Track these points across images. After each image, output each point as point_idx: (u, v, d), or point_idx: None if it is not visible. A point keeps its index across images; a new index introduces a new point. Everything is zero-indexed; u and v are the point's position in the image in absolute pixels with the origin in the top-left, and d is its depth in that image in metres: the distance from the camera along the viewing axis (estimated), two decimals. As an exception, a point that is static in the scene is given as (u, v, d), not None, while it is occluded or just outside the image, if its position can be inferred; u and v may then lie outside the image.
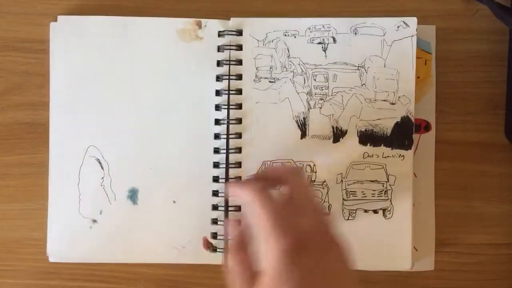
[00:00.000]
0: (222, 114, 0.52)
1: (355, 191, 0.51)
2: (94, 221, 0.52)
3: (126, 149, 0.52)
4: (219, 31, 0.52)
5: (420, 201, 0.52)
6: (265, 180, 0.42)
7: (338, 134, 0.52)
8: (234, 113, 0.52)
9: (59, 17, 0.52)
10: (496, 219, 0.53)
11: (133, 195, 0.52)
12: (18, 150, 0.54)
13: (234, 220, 0.44)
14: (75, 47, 0.52)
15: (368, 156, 0.51)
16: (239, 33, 0.52)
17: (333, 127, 0.52)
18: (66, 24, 0.52)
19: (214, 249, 0.52)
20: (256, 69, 0.52)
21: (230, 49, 0.52)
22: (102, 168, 0.52)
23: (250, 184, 0.40)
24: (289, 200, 0.40)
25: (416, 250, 0.52)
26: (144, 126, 0.52)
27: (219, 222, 0.52)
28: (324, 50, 0.51)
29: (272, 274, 0.37)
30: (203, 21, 0.52)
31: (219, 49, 0.52)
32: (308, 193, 0.42)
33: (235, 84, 0.52)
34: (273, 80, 0.52)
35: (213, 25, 0.52)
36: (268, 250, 0.37)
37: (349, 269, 0.39)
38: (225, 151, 0.52)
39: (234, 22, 0.52)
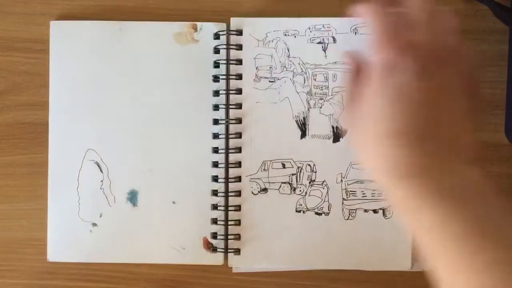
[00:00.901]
0: (221, 114, 0.52)
1: (355, 191, 0.51)
2: (94, 224, 0.52)
3: (125, 151, 0.52)
4: (215, 33, 0.52)
5: (420, 201, 0.52)
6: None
7: (338, 134, 0.52)
8: (234, 113, 0.52)
9: (52, 23, 0.52)
10: (496, 219, 0.53)
11: (132, 197, 0.52)
12: (18, 150, 0.54)
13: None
14: (73, 49, 0.52)
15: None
16: (239, 33, 0.52)
17: (333, 127, 0.52)
18: (63, 27, 0.52)
19: (214, 249, 0.52)
20: (256, 68, 0.52)
21: (227, 49, 0.52)
22: (101, 171, 0.52)
23: (370, 4, 0.41)
24: (404, 16, 0.40)
25: (416, 250, 0.52)
26: (143, 128, 0.52)
27: (219, 222, 0.52)
28: (324, 50, 0.51)
29: (369, 86, 0.39)
30: (199, 24, 0.52)
31: (216, 50, 0.52)
32: (428, 10, 0.40)
33: (235, 84, 0.52)
34: (273, 80, 0.52)
35: (209, 27, 0.52)
36: (373, 59, 0.39)
37: (458, 96, 0.38)
38: (224, 150, 0.52)
39: (234, 22, 0.52)
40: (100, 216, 0.52)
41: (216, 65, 0.52)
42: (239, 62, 0.52)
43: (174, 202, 0.52)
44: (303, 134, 0.52)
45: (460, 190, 0.36)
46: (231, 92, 0.52)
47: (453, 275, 0.36)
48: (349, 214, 0.51)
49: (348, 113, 0.42)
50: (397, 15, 0.40)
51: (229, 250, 0.52)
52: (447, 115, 0.38)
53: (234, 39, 0.52)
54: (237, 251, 0.52)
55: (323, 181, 0.51)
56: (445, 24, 0.41)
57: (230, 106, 0.52)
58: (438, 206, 0.36)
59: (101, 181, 0.52)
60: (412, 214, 0.37)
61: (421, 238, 0.37)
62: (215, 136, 0.52)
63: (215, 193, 0.52)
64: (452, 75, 0.39)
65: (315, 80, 0.52)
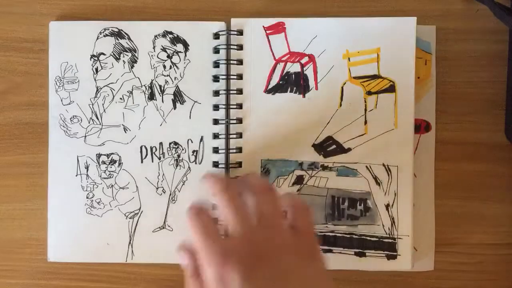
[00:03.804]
0: (221, 114, 0.52)
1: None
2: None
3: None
4: (214, 33, 0.52)
5: (420, 201, 0.52)
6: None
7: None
8: (235, 113, 0.52)
9: (51, 23, 0.52)
10: (496, 219, 0.53)
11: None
12: (18, 150, 0.54)
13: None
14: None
15: (368, 156, 0.52)
16: (240, 33, 0.52)
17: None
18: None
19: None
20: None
21: (227, 49, 0.52)
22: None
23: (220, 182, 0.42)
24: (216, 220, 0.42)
25: (416, 250, 0.52)
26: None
27: (219, 222, 0.52)
28: (324, 50, 0.52)
29: None
30: (198, 23, 0.52)
31: (216, 50, 0.52)
32: (236, 206, 0.41)
33: (235, 83, 0.52)
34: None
35: (209, 27, 0.52)
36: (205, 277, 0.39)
37: (302, 276, 0.39)
38: (224, 150, 0.52)
39: (234, 22, 0.52)
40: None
41: (216, 65, 0.52)
42: (240, 62, 0.52)
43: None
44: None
45: None
46: (231, 92, 0.52)
47: None
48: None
49: None
50: (212, 215, 0.41)
51: (229, 250, 0.52)
52: None
53: (234, 39, 0.52)
54: (237, 251, 0.52)
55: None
56: (266, 210, 0.41)
57: (230, 106, 0.52)
58: None
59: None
60: None
61: None
62: (215, 136, 0.52)
63: (215, 193, 0.52)
64: (285, 262, 0.39)
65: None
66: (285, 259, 0.39)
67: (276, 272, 0.38)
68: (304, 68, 0.52)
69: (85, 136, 0.53)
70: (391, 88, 0.51)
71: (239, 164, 0.52)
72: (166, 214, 0.52)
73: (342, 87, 0.52)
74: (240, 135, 0.52)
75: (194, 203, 0.42)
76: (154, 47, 0.53)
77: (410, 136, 0.51)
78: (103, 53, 0.53)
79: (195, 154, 0.52)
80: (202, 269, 0.40)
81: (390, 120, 0.51)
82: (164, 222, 0.52)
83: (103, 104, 0.53)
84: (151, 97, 0.53)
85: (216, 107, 0.52)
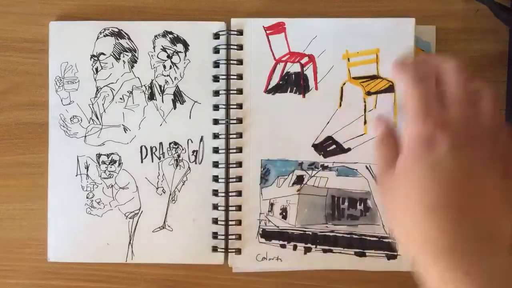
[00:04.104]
0: (221, 114, 0.52)
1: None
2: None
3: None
4: (214, 33, 0.52)
5: (420, 201, 0.52)
6: (424, 67, 0.43)
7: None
8: (235, 113, 0.52)
9: (51, 23, 0.52)
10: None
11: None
12: (18, 150, 0.54)
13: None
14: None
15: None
16: (240, 33, 0.52)
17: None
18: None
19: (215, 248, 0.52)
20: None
21: (227, 49, 0.52)
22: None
23: (410, 68, 0.43)
24: (442, 92, 0.42)
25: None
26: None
27: (219, 222, 0.52)
28: (324, 50, 0.52)
29: (405, 157, 0.40)
30: (198, 23, 0.52)
31: (216, 50, 0.52)
32: (464, 87, 0.42)
33: (235, 83, 0.52)
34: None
35: (208, 27, 0.52)
36: (407, 132, 0.41)
37: (496, 178, 0.39)
38: (224, 151, 0.52)
39: (234, 22, 0.52)
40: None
41: (216, 65, 0.52)
42: (240, 62, 0.52)
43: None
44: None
45: (499, 275, 0.36)
46: (231, 92, 0.52)
47: None
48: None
49: (382, 184, 0.43)
50: (434, 89, 0.42)
51: (229, 250, 0.52)
52: (484, 197, 0.39)
53: (234, 39, 0.52)
54: (238, 251, 0.52)
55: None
56: (484, 103, 0.41)
57: (231, 106, 0.52)
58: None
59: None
60: None
61: None
62: (215, 136, 0.52)
63: (215, 193, 0.52)
64: (488, 156, 0.39)
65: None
66: (486, 149, 0.40)
67: (478, 158, 0.39)
68: (304, 68, 0.52)
69: (85, 136, 0.53)
70: (390, 88, 0.51)
71: (239, 164, 0.52)
72: (166, 214, 0.52)
73: (341, 87, 0.52)
74: (240, 135, 0.52)
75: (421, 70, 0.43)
76: (154, 47, 0.53)
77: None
78: (103, 53, 0.53)
79: (195, 154, 0.52)
80: (403, 146, 0.41)
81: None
82: (164, 222, 0.52)
83: (103, 104, 0.53)
84: (151, 97, 0.53)
85: (216, 107, 0.52)
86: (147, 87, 0.53)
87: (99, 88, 0.53)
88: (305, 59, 0.52)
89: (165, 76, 0.53)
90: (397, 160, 0.41)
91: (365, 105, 0.51)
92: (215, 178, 0.52)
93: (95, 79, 0.53)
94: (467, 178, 0.38)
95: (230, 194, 0.52)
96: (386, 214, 0.43)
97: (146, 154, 0.53)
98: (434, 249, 0.37)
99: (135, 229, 0.52)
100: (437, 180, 0.38)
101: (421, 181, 0.39)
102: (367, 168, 0.51)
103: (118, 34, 0.53)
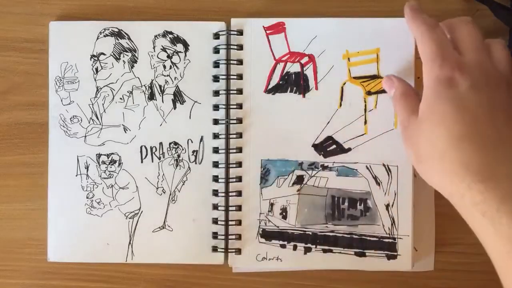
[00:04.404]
0: (221, 114, 0.52)
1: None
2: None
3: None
4: (214, 33, 0.52)
5: (420, 201, 0.52)
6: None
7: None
8: (235, 113, 0.52)
9: (51, 23, 0.52)
10: (496, 219, 0.53)
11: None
12: (18, 150, 0.54)
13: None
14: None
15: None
16: (240, 33, 0.52)
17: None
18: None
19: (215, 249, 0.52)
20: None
21: (227, 49, 0.52)
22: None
23: (422, 17, 0.44)
24: (456, 39, 0.43)
25: (416, 250, 0.52)
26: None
27: (219, 222, 0.52)
28: (323, 50, 0.52)
29: (427, 99, 0.41)
30: (198, 23, 0.52)
31: (216, 50, 0.52)
32: (476, 36, 0.43)
33: (235, 83, 0.52)
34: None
35: (208, 27, 0.52)
36: (426, 76, 0.42)
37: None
38: (224, 151, 0.52)
39: (234, 22, 0.52)
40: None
41: (216, 65, 0.52)
42: (240, 62, 0.52)
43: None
44: (304, 134, 0.52)
45: None
46: (231, 92, 0.52)
47: None
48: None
49: (405, 131, 0.44)
50: (447, 36, 0.43)
51: (229, 250, 0.52)
52: (509, 131, 0.40)
53: (234, 39, 0.52)
54: (238, 251, 0.52)
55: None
56: (496, 51, 0.43)
57: (231, 106, 0.52)
58: None
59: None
60: (488, 219, 0.37)
61: (495, 244, 0.37)
62: (215, 136, 0.52)
63: (215, 193, 0.52)
64: (506, 98, 0.41)
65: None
66: (503, 91, 0.41)
67: (497, 99, 0.40)
68: (304, 68, 0.52)
69: (85, 136, 0.53)
70: (391, 88, 0.51)
71: (239, 164, 0.52)
72: (166, 214, 0.52)
73: (342, 87, 0.52)
74: (240, 135, 0.52)
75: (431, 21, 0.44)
76: (154, 47, 0.53)
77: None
78: (103, 53, 0.53)
79: (195, 154, 0.52)
80: (426, 69, 0.42)
81: (390, 120, 0.51)
82: (164, 222, 0.52)
83: (103, 104, 0.53)
84: (151, 97, 0.53)
85: (216, 107, 0.52)
86: (147, 87, 0.53)
87: (99, 88, 0.53)
88: (305, 59, 0.52)
89: (165, 76, 0.53)
90: (419, 106, 0.42)
91: (365, 105, 0.51)
92: (215, 178, 0.52)
93: (95, 79, 0.53)
94: (489, 114, 0.40)
95: (230, 194, 0.52)
96: (412, 161, 0.44)
97: (146, 154, 0.53)
98: (466, 174, 0.38)
99: (135, 229, 0.52)
100: (461, 114, 0.39)
101: (445, 116, 0.40)
102: (367, 168, 0.51)
103: (118, 34, 0.53)
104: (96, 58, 0.53)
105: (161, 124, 0.53)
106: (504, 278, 0.38)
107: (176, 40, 0.53)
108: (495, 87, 0.41)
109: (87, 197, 0.52)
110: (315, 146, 0.52)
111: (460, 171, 0.39)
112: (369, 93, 0.51)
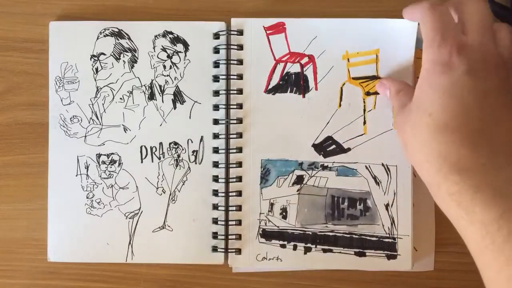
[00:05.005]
0: (221, 114, 0.52)
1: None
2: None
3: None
4: (214, 33, 0.52)
5: (420, 201, 0.52)
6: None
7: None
8: (235, 113, 0.52)
9: (51, 23, 0.52)
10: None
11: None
12: (18, 150, 0.54)
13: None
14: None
15: (368, 156, 0.52)
16: (240, 33, 0.52)
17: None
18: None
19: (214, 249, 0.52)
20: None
21: (227, 49, 0.52)
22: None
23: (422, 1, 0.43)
24: (461, 18, 0.42)
25: (416, 250, 0.52)
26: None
27: (219, 222, 0.52)
28: (324, 50, 0.52)
29: (419, 88, 0.41)
30: (198, 23, 0.52)
31: (216, 50, 0.52)
32: (484, 16, 0.42)
33: (235, 83, 0.52)
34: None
35: (208, 27, 0.52)
36: (424, 58, 0.41)
37: (508, 108, 0.39)
38: (224, 151, 0.52)
39: (234, 22, 0.52)
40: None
41: (216, 65, 0.52)
42: (240, 62, 0.52)
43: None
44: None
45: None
46: (231, 92, 0.52)
47: (501, 269, 0.36)
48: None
49: (398, 120, 0.44)
50: (451, 15, 0.42)
51: (229, 250, 0.52)
52: (501, 120, 0.39)
53: (234, 39, 0.52)
54: (238, 251, 0.52)
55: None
56: (502, 36, 0.42)
57: (231, 106, 0.52)
58: (493, 201, 0.36)
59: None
60: (463, 209, 0.37)
61: (471, 233, 0.38)
62: (215, 136, 0.52)
63: (215, 193, 0.52)
64: (502, 85, 0.40)
65: (315, 80, 0.52)
66: (501, 78, 0.40)
67: (493, 84, 0.40)
68: (304, 69, 0.52)
69: (85, 136, 0.53)
70: (390, 89, 0.51)
71: (239, 164, 0.52)
72: (166, 214, 0.52)
73: (341, 88, 0.52)
74: (240, 135, 0.52)
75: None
76: (154, 47, 0.53)
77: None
78: (103, 53, 0.53)
79: (195, 154, 0.52)
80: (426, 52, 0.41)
81: (389, 120, 0.51)
82: (164, 222, 0.52)
83: (103, 104, 0.53)
84: (151, 97, 0.53)
85: (216, 107, 0.52)
86: (147, 87, 0.53)
87: (99, 88, 0.53)
88: (305, 59, 0.52)
89: (165, 76, 0.53)
90: (414, 92, 0.42)
91: (364, 105, 0.51)
92: (215, 178, 0.52)
93: (95, 79, 0.53)
94: (479, 101, 0.39)
95: (230, 194, 0.52)
96: (403, 149, 0.44)
97: (146, 154, 0.53)
98: (443, 165, 0.38)
99: (135, 229, 0.52)
100: (449, 104, 0.39)
101: (433, 105, 0.40)
102: (366, 168, 0.51)
103: (118, 34, 0.53)
104: (96, 58, 0.53)
105: (161, 124, 0.53)
106: (480, 264, 0.38)
107: (176, 40, 0.53)
108: (493, 71, 0.40)
109: (87, 197, 0.52)
110: (315, 146, 0.52)
111: (438, 162, 0.39)
112: (368, 93, 0.51)
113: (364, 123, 0.51)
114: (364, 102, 0.51)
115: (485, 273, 0.38)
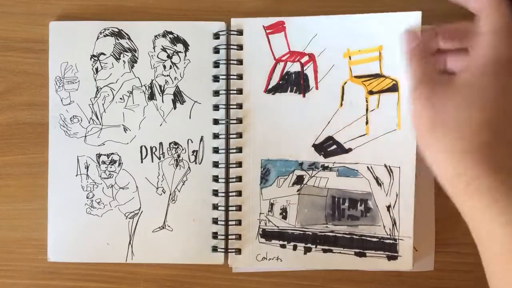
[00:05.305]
0: (221, 114, 0.52)
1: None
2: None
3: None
4: (214, 33, 0.52)
5: (420, 201, 0.52)
6: None
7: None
8: (235, 113, 0.52)
9: (51, 23, 0.52)
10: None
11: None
12: (18, 150, 0.54)
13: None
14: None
15: (368, 156, 0.52)
16: (240, 33, 0.52)
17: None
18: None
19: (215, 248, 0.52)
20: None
21: (227, 49, 0.52)
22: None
23: None
24: None
25: (416, 250, 0.52)
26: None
27: (219, 222, 0.52)
28: (323, 49, 0.52)
29: (477, 72, 0.39)
30: (198, 23, 0.52)
31: (216, 50, 0.52)
32: None
33: (235, 83, 0.52)
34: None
35: (208, 27, 0.52)
36: (489, 50, 0.39)
37: None
38: (224, 151, 0.52)
39: (234, 22, 0.52)
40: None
41: (216, 65, 0.52)
42: (240, 62, 0.52)
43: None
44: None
45: None
46: (231, 92, 0.52)
47: None
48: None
49: (425, 87, 0.42)
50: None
51: (229, 250, 0.52)
52: None
53: (234, 39, 0.52)
54: (238, 251, 0.52)
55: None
56: None
57: (231, 106, 0.52)
58: None
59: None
60: (488, 209, 0.37)
61: (493, 234, 0.37)
62: (215, 136, 0.52)
63: (215, 193, 0.52)
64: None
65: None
66: None
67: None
68: (304, 68, 0.52)
69: (85, 136, 0.53)
70: (394, 87, 0.50)
71: (239, 164, 0.52)
72: (166, 214, 0.52)
73: (342, 87, 0.51)
74: (240, 135, 0.52)
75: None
76: (154, 47, 0.53)
77: (413, 137, 0.49)
78: (103, 53, 0.53)
79: (195, 154, 0.52)
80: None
81: (393, 121, 0.50)
82: (164, 222, 0.52)
83: (103, 104, 0.53)
84: (151, 97, 0.53)
85: (216, 107, 0.52)
86: (147, 87, 0.53)
87: (99, 88, 0.53)
88: (305, 58, 0.52)
89: (165, 76, 0.53)
90: (461, 71, 0.40)
91: (367, 105, 0.51)
92: (215, 178, 0.52)
93: (95, 79, 0.53)
94: None
95: (230, 194, 0.52)
96: (419, 124, 0.41)
97: (146, 154, 0.53)
98: (477, 162, 0.37)
99: (135, 229, 0.52)
100: (502, 102, 0.38)
101: (494, 97, 0.38)
102: (368, 168, 0.51)
103: (118, 34, 0.53)
104: (96, 58, 0.53)
105: (161, 124, 0.53)
106: (498, 268, 0.37)
107: (176, 40, 0.52)
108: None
109: (87, 197, 0.52)
110: (315, 146, 0.52)
111: (474, 156, 0.37)
112: (371, 92, 0.51)
113: (367, 123, 0.51)
114: (366, 101, 0.51)
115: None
